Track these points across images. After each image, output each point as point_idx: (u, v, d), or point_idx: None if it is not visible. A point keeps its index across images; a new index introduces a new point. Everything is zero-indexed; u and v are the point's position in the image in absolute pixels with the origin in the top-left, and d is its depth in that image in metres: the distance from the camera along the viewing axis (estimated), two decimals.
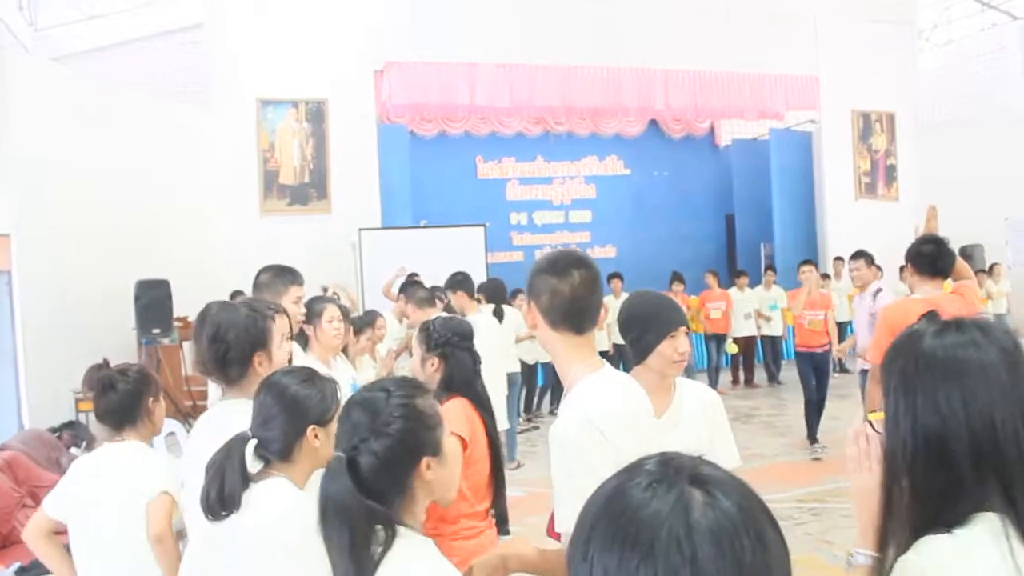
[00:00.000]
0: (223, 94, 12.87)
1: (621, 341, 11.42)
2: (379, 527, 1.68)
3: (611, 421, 1.99)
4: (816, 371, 8.23)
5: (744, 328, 12.71)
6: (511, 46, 13.89)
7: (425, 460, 1.77)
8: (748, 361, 13.00)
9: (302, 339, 4.01)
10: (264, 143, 13.05)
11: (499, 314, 8.03)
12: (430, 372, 3.17)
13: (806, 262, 9.16)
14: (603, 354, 10.88)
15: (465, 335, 3.26)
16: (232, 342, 2.64)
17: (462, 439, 2.88)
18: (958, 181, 16.65)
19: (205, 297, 10.70)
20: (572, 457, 1.96)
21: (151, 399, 3.15)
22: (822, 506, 6.26)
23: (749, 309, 12.77)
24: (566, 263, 2.15)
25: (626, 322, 2.85)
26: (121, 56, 14.33)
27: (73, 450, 7.90)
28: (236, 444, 2.12)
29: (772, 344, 13.13)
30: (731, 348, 12.33)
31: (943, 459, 1.29)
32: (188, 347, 11.05)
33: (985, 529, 1.26)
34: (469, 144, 16.54)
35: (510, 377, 7.68)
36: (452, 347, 3.17)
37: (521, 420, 9.94)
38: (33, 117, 9.71)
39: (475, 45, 13.74)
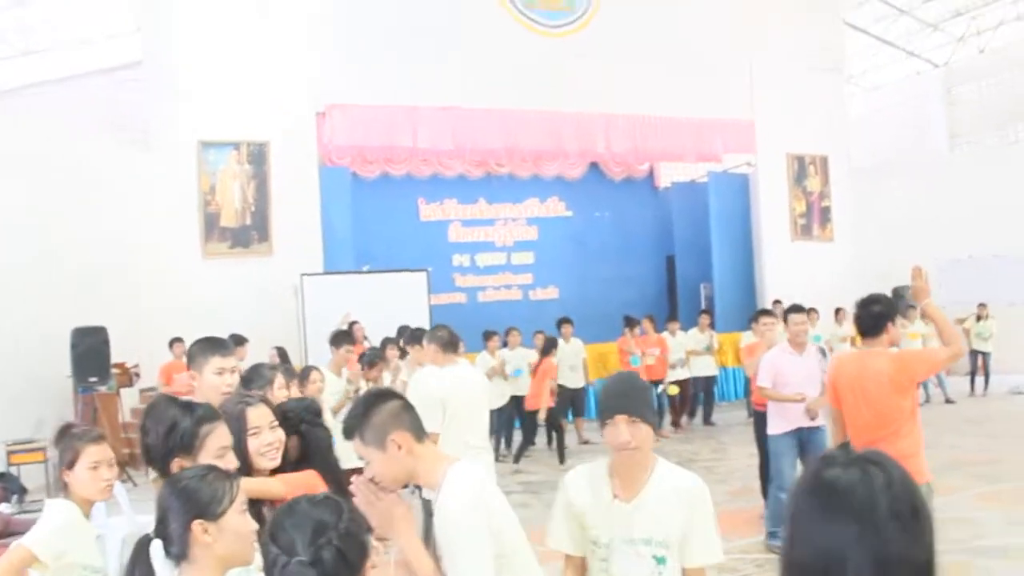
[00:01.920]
0: (163, 135, 12.73)
1: (572, 384, 11.58)
2: None
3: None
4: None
5: (678, 372, 12.77)
6: (453, 89, 13.99)
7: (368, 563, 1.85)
8: (684, 404, 13.06)
9: None
10: (205, 185, 12.91)
11: None
12: (290, 448, 3.21)
13: (765, 312, 7.95)
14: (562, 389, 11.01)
15: (317, 412, 3.42)
16: (151, 442, 2.63)
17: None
18: (890, 222, 17.20)
19: (143, 343, 10.58)
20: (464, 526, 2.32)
21: (64, 470, 3.05)
22: (766, 557, 6.31)
23: (682, 353, 12.84)
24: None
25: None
26: (57, 93, 14.03)
27: (3, 505, 7.67)
28: (140, 549, 2.09)
29: (706, 384, 13.25)
30: (671, 390, 12.37)
31: None
32: (126, 394, 10.85)
33: None
34: (411, 186, 16.56)
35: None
36: (308, 424, 3.28)
37: None
38: None
39: (417, 88, 13.80)
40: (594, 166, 17.80)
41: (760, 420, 7.11)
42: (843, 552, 1.30)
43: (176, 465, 2.60)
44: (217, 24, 12.82)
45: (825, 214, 17.31)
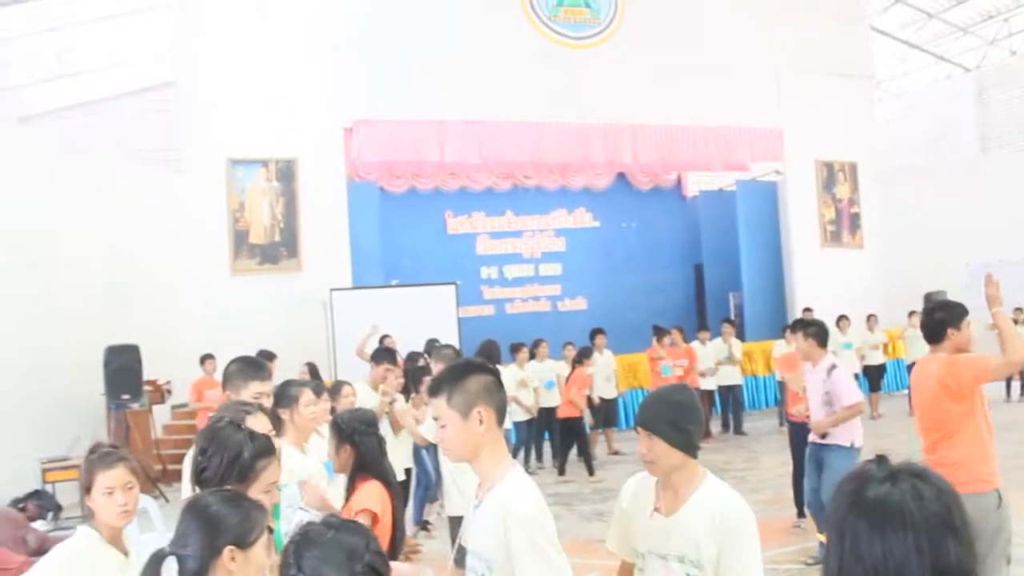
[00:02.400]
0: (193, 154, 12.91)
1: (607, 395, 11.54)
2: None
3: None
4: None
5: (707, 382, 12.68)
6: (479, 103, 14.06)
7: None
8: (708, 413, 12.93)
9: (276, 423, 3.99)
10: (234, 202, 13.06)
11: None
12: (344, 458, 3.64)
13: (800, 323, 7.38)
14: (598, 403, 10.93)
15: (371, 423, 3.73)
16: (210, 465, 2.61)
17: (374, 514, 3.40)
18: (920, 228, 17.00)
19: (175, 361, 10.64)
20: (538, 532, 2.19)
21: (84, 495, 2.91)
22: (798, 568, 6.26)
23: (711, 363, 12.75)
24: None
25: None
26: (91, 115, 14.32)
27: (39, 523, 7.76)
28: (153, 563, 2.09)
29: (732, 394, 13.11)
30: None
31: None
32: (158, 411, 10.96)
33: None
34: (439, 200, 16.65)
35: None
36: (360, 435, 3.63)
37: None
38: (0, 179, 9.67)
39: (444, 102, 13.89)
40: (621, 176, 17.79)
41: (795, 430, 7.08)
42: (900, 567, 1.33)
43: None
44: (245, 43, 12.98)
45: (855, 220, 17.18)
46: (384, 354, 7.41)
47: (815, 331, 6.43)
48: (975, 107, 18.13)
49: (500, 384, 2.41)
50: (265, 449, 2.67)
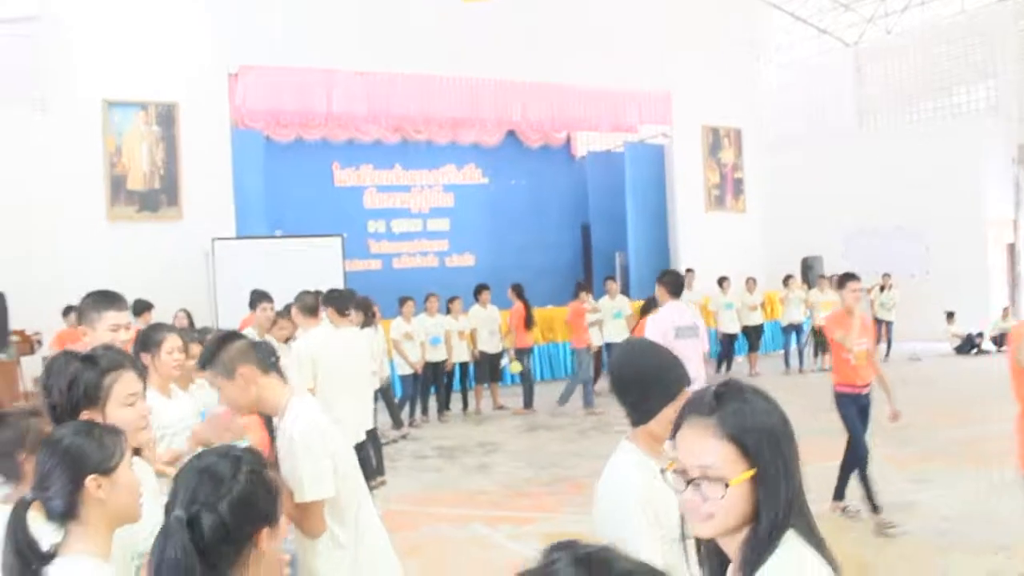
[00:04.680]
0: (63, 94, 12.15)
1: (491, 349, 11.53)
2: None
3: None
4: (863, 416, 6.30)
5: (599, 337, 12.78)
6: (370, 53, 13.76)
7: (265, 530, 1.78)
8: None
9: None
10: (111, 146, 12.46)
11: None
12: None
13: (851, 276, 6.52)
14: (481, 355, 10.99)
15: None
16: (55, 400, 2.46)
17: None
18: (801, 195, 17.59)
19: (44, 310, 10.20)
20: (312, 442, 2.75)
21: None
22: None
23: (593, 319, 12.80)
24: None
25: (626, 383, 2.47)
26: None
27: None
28: (19, 511, 1.94)
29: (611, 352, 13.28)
30: (514, 367, 11.96)
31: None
32: (25, 362, 10.46)
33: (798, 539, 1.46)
34: (326, 151, 16.31)
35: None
36: None
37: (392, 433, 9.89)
38: None
39: (333, 51, 13.53)
40: (511, 134, 17.78)
41: (853, 402, 6.26)
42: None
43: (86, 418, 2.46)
44: None
45: (738, 186, 17.64)
46: (259, 296, 7.33)
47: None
48: (853, 81, 18.74)
49: (253, 343, 2.97)
50: (110, 364, 2.54)
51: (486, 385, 11.82)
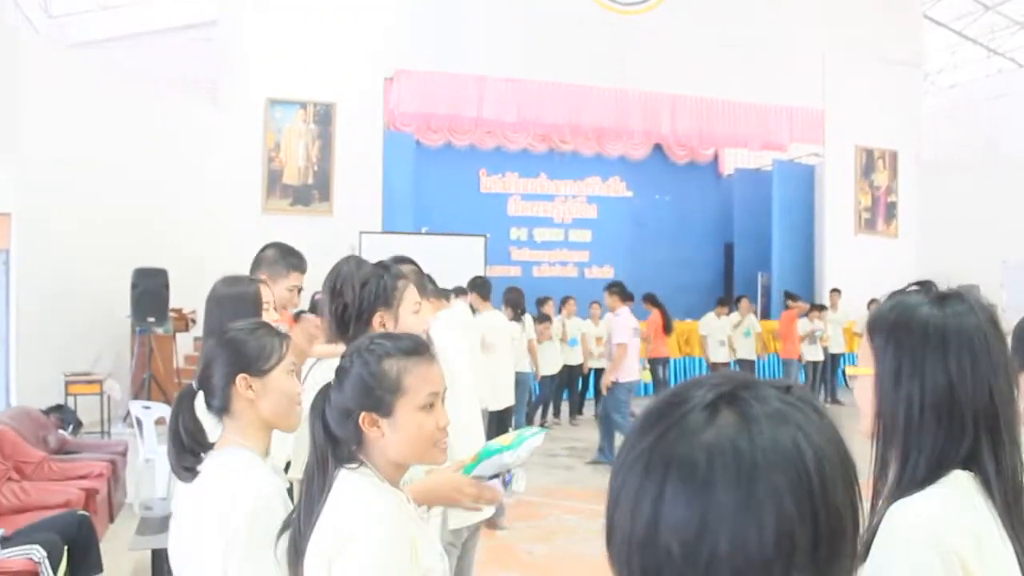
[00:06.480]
0: (232, 92, 12.90)
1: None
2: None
3: None
4: None
5: (719, 354, 12.51)
6: (521, 61, 13.97)
7: (366, 415, 1.72)
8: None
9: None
10: (270, 142, 13.09)
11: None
12: None
13: None
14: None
15: None
16: (348, 300, 2.60)
17: None
18: (957, 221, 16.75)
19: (202, 291, 10.63)
20: None
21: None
22: None
23: (723, 336, 12.55)
24: None
25: None
26: (133, 48, 14.36)
27: (60, 432, 7.84)
28: (184, 399, 2.04)
29: (746, 369, 12.93)
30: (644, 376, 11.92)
31: (948, 418, 1.34)
32: (181, 338, 11.03)
33: (959, 485, 1.32)
34: (473, 157, 16.59)
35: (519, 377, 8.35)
36: None
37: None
38: (44, 101, 9.74)
39: (486, 58, 13.81)
40: (658, 148, 17.64)
41: None
42: (989, 379, 1.38)
43: (377, 320, 2.58)
44: None
45: (891, 209, 16.97)
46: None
47: None
48: None
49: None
50: (399, 274, 2.70)
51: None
